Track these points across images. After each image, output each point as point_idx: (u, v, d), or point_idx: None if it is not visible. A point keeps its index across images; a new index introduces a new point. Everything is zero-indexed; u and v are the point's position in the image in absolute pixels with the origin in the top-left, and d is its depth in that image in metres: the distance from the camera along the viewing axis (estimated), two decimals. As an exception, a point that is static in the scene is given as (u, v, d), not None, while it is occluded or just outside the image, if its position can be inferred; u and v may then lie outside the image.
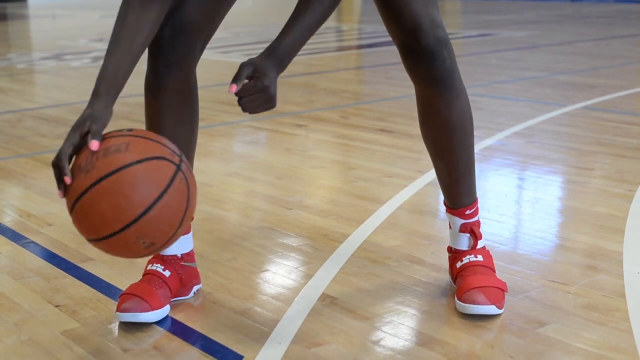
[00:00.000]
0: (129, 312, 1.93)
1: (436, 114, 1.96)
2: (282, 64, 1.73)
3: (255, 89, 1.68)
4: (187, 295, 2.10)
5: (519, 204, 2.90)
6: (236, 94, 1.69)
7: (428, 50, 1.87)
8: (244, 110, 1.71)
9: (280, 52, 1.72)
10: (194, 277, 2.11)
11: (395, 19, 1.89)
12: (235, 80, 1.68)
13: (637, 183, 2.99)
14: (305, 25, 1.74)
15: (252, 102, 1.70)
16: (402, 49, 1.91)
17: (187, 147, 2.00)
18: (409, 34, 1.87)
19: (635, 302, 2.00)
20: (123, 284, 2.16)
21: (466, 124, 1.98)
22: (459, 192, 2.05)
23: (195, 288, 2.12)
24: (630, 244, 2.39)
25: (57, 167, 1.57)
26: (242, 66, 1.70)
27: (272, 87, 1.70)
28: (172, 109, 1.95)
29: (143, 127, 2.00)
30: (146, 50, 1.91)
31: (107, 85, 1.66)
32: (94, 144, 1.56)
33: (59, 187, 1.58)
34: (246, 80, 1.69)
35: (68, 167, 1.56)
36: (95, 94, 1.66)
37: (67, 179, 1.55)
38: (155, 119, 1.97)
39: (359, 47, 8.54)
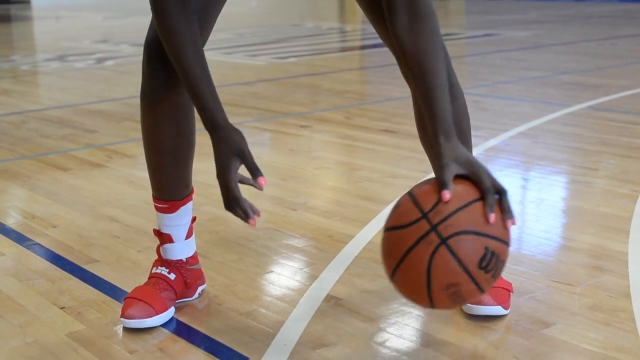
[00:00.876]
0: (134, 319, 1.93)
1: None
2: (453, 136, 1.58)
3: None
4: (192, 296, 2.10)
5: (524, 205, 2.89)
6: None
7: None
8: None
9: (447, 132, 1.58)
10: (199, 278, 2.11)
11: (384, 19, 1.86)
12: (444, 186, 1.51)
13: (642, 183, 2.98)
14: (441, 85, 1.62)
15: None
16: (396, 53, 1.88)
17: (187, 155, 2.00)
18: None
19: (641, 303, 1.99)
20: (128, 286, 2.16)
21: (464, 126, 1.97)
22: None
23: (200, 289, 2.12)
24: (636, 244, 2.39)
25: (237, 209, 1.66)
26: (447, 169, 1.54)
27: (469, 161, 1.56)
28: (171, 121, 1.93)
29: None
30: (142, 60, 1.89)
31: (224, 114, 1.72)
32: (262, 181, 1.65)
33: (249, 218, 1.65)
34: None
35: (250, 205, 1.65)
36: (219, 126, 1.72)
37: (253, 222, 1.65)
38: (155, 131, 1.95)
39: (363, 47, 8.53)
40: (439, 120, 1.59)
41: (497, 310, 1.93)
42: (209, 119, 1.71)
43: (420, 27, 1.64)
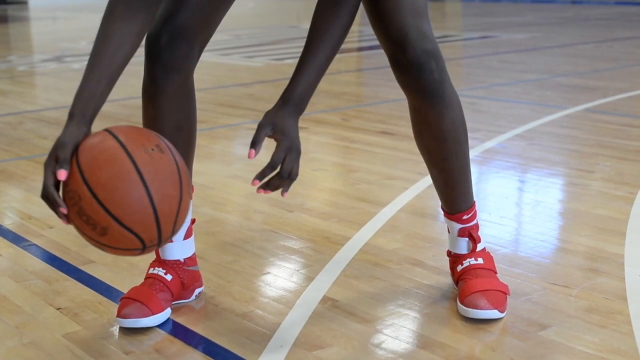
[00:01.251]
0: (129, 318, 1.93)
1: (427, 124, 1.93)
2: (300, 109, 1.75)
3: (279, 161, 1.69)
4: (189, 298, 2.10)
5: (520, 207, 2.90)
6: (260, 183, 1.69)
7: (415, 62, 1.83)
8: (279, 186, 1.71)
9: (296, 97, 1.74)
10: (196, 280, 2.11)
11: (382, 29, 1.86)
12: (253, 144, 1.68)
13: (638, 185, 2.98)
14: (317, 63, 1.74)
15: (287, 170, 1.70)
16: (390, 60, 1.88)
17: (187, 152, 1.99)
18: (395, 45, 1.84)
19: (637, 305, 1.99)
20: (124, 287, 2.16)
21: (458, 133, 1.96)
22: (454, 198, 2.04)
23: (197, 291, 2.12)
24: (632, 246, 2.39)
25: (47, 199, 1.56)
26: (260, 127, 1.70)
27: (295, 142, 1.72)
28: (171, 114, 1.94)
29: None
30: (143, 55, 1.91)
31: (83, 106, 1.62)
32: (61, 174, 1.54)
33: (59, 217, 1.56)
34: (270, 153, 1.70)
35: (59, 196, 1.55)
36: (70, 116, 1.62)
37: (63, 210, 1.54)
38: (154, 125, 1.95)
39: (360, 49, 8.53)
40: (289, 86, 1.74)
41: (493, 314, 1.93)
42: (73, 102, 1.65)
43: (332, 10, 1.75)
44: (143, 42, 1.86)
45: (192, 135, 2.01)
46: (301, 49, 1.79)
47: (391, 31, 1.84)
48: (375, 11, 1.86)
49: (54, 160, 1.57)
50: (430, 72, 1.84)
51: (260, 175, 1.68)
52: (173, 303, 2.04)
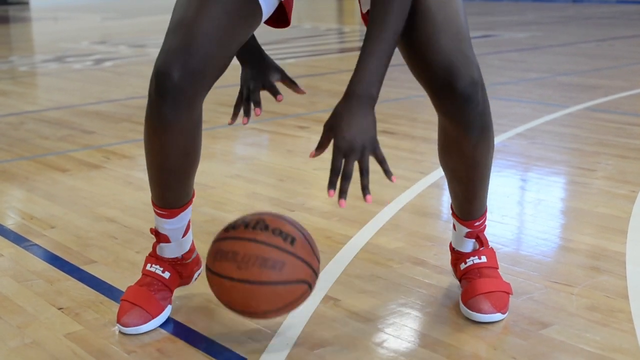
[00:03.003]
0: (130, 327, 1.92)
1: (459, 150, 1.86)
2: (367, 98, 1.65)
3: (339, 167, 1.62)
4: (189, 283, 2.10)
5: (522, 205, 2.90)
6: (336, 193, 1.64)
7: (462, 93, 1.73)
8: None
9: (358, 87, 1.66)
10: (195, 264, 2.10)
11: (422, 55, 1.74)
12: (318, 146, 1.67)
13: (639, 184, 2.98)
14: (376, 47, 1.66)
15: (348, 172, 1.64)
16: (430, 87, 1.76)
17: (190, 173, 1.93)
18: (440, 73, 1.72)
19: (639, 303, 1.99)
20: (125, 287, 2.16)
21: (488, 158, 1.90)
22: (470, 208, 2.01)
23: (196, 274, 2.11)
24: (633, 245, 2.39)
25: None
26: (323, 128, 1.69)
27: (357, 140, 1.63)
28: (177, 145, 1.82)
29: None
30: (149, 86, 1.78)
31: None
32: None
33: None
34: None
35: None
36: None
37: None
38: (159, 154, 1.85)
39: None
40: (351, 78, 1.68)
41: (497, 317, 1.92)
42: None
43: None
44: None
45: (197, 158, 1.92)
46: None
47: (435, 58, 1.73)
48: (414, 38, 1.75)
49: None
50: (476, 104, 1.76)
51: (331, 185, 1.60)
52: (174, 289, 2.04)
